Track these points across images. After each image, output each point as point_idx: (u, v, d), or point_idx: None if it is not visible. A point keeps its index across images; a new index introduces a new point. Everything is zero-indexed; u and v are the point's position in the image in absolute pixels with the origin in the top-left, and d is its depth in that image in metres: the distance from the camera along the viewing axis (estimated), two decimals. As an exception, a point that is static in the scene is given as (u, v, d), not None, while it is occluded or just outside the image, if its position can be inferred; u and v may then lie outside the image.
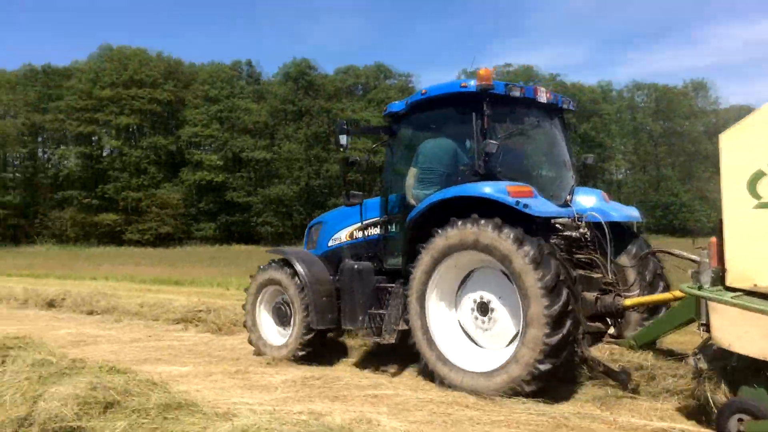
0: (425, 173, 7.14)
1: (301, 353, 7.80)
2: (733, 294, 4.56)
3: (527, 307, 5.70)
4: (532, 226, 5.96)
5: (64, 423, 4.53)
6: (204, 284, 19.00)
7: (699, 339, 5.35)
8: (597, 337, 6.45)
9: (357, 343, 8.48)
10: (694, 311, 4.87)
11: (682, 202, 70.63)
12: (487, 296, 6.34)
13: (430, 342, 6.48)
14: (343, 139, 7.41)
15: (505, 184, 6.16)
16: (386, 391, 6.29)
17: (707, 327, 4.67)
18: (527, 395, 5.66)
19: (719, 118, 71.82)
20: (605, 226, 6.64)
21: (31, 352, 6.15)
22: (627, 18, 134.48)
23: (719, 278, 4.72)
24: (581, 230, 6.65)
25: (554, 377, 5.79)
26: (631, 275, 6.89)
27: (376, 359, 7.77)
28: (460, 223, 6.17)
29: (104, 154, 70.75)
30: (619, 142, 77.11)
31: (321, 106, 68.31)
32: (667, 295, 6.24)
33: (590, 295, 6.34)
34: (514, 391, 5.71)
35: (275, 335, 8.37)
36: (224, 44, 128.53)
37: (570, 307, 5.67)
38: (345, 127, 7.47)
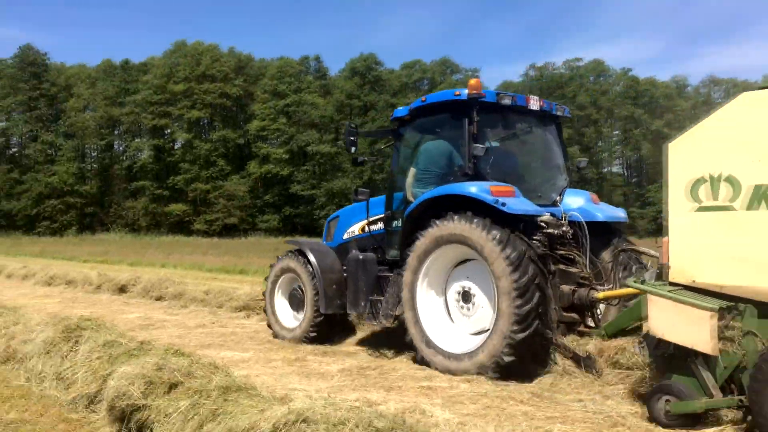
0: (423, 173, 7.78)
1: (311, 335, 8.55)
2: (670, 288, 4.98)
3: (500, 302, 6.28)
4: (518, 224, 6.52)
5: (131, 401, 4.72)
6: (267, 274, 19.29)
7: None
8: (572, 326, 6.98)
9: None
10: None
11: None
12: (471, 285, 6.92)
13: (417, 322, 7.09)
14: (352, 141, 8.12)
15: (489, 185, 6.71)
16: (441, 383, 6.29)
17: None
18: (491, 379, 6.22)
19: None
20: (584, 225, 7.20)
21: (102, 334, 6.39)
22: (705, 9, 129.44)
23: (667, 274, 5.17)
24: (564, 228, 7.16)
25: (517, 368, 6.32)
26: (608, 270, 7.33)
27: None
28: (448, 216, 6.76)
29: (176, 146, 73.00)
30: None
31: (386, 101, 68.53)
32: (632, 290, 6.40)
33: (567, 288, 6.88)
34: (480, 375, 6.32)
35: (290, 319, 9.07)
36: (293, 40, 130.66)
37: (539, 307, 6.20)
38: (353, 128, 8.21)
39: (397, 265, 7.63)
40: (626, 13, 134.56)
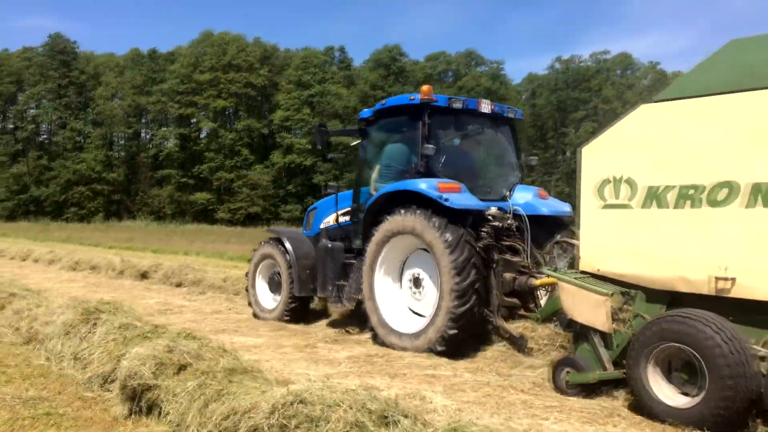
0: (384, 170, 8.50)
1: (286, 317, 9.50)
2: (577, 275, 5.68)
3: (442, 282, 7.00)
4: (466, 217, 7.19)
5: (142, 380, 4.93)
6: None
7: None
8: (512, 310, 7.58)
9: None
10: None
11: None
12: (420, 272, 7.68)
13: (375, 306, 7.83)
14: (321, 140, 8.98)
15: (437, 181, 7.34)
16: (445, 372, 6.43)
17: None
18: (439, 354, 6.99)
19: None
20: (525, 218, 7.79)
21: (119, 317, 6.63)
22: (736, 1, 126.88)
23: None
24: (509, 221, 7.78)
25: (462, 341, 7.12)
26: (547, 259, 7.93)
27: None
28: (402, 211, 7.46)
29: (201, 136, 73.70)
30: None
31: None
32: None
33: (509, 276, 7.44)
34: (429, 350, 7.08)
35: (269, 301, 10.00)
36: (318, 31, 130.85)
37: (475, 284, 6.93)
38: (324, 128, 9.14)
39: (362, 253, 8.27)
40: (655, 5, 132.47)
